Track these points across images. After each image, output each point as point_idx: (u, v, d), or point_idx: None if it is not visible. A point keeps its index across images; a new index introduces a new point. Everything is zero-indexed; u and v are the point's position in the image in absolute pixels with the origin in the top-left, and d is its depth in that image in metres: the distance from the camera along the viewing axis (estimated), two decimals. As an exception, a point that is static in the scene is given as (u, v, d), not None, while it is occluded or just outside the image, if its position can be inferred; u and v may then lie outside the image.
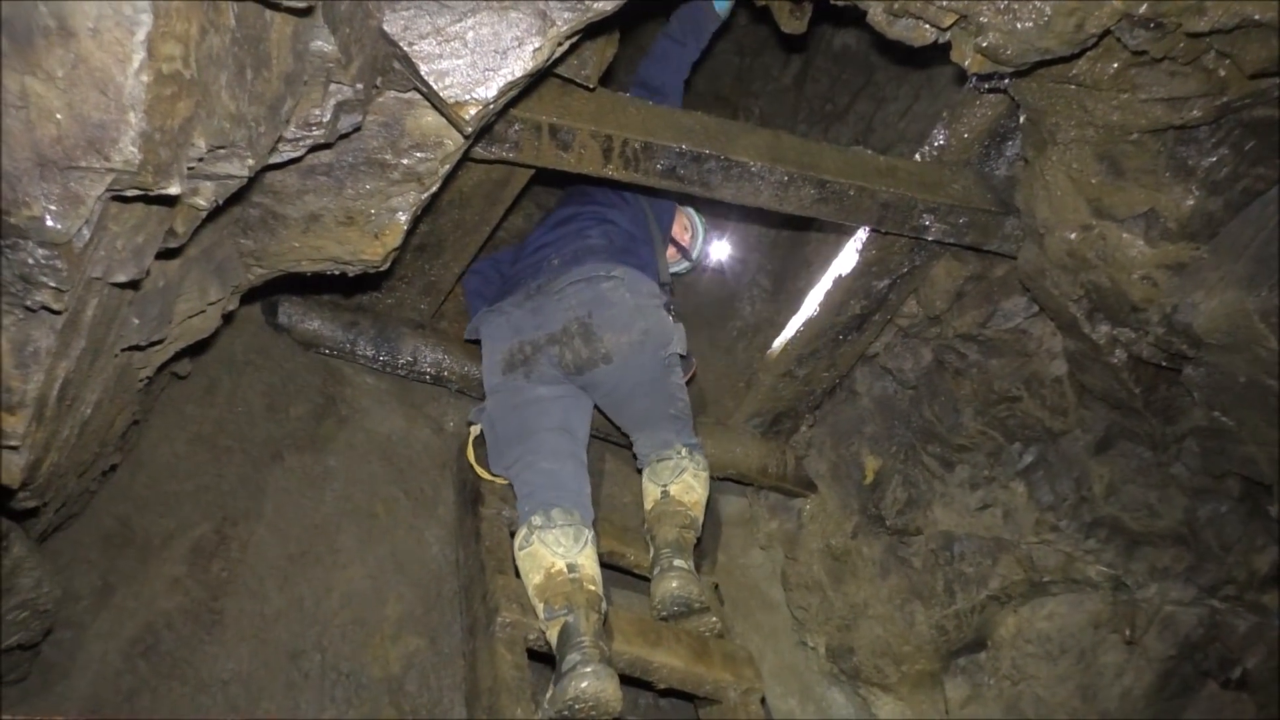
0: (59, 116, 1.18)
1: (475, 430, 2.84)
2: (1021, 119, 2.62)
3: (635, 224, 3.12)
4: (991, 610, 3.14)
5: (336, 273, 2.24)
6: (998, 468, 3.17)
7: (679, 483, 2.78)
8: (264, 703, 2.38)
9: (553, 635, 2.36)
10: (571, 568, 2.43)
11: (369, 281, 3.05)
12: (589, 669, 2.22)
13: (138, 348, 1.79)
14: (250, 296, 2.54)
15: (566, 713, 2.21)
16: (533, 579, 2.44)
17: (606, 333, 2.72)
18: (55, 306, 1.32)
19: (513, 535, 2.77)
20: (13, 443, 1.40)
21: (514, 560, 2.54)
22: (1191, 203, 2.34)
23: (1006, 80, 2.50)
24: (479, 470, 2.81)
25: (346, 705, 2.48)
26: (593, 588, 2.42)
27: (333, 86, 1.70)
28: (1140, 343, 2.58)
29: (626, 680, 2.57)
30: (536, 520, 2.50)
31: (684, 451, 2.83)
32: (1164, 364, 2.60)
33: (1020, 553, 3.09)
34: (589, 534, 2.52)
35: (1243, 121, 2.20)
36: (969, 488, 3.22)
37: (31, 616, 1.91)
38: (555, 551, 2.44)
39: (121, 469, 2.44)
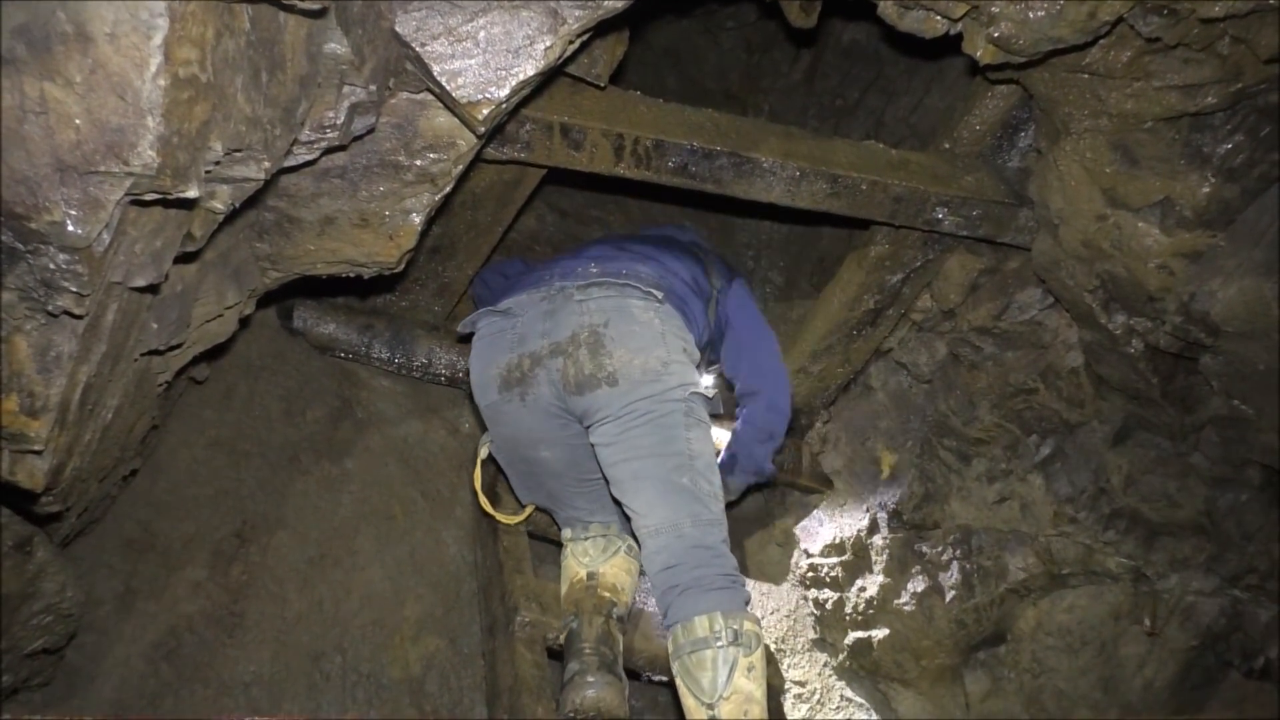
0: (78, 121, 1.20)
1: (482, 454, 2.53)
2: (1034, 109, 2.62)
3: (697, 291, 2.60)
4: (1011, 603, 3.12)
5: (351, 275, 2.25)
6: (1015, 460, 3.15)
7: (729, 697, 2.02)
8: (286, 704, 2.40)
9: (562, 640, 2.39)
10: (591, 575, 2.44)
11: (383, 284, 3.06)
12: (588, 679, 2.22)
13: (157, 352, 1.80)
14: (266, 300, 2.55)
15: (572, 718, 2.22)
16: (562, 589, 2.49)
17: (619, 348, 2.24)
18: (77, 311, 1.33)
19: (531, 536, 2.78)
20: (36, 447, 1.41)
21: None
22: (1207, 190, 2.33)
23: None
24: (491, 511, 2.59)
25: (368, 706, 2.49)
26: (606, 594, 2.41)
27: (346, 88, 1.70)
28: (1157, 332, 2.57)
29: (647, 678, 2.58)
30: (568, 534, 2.54)
31: (721, 630, 2.07)
32: (1181, 353, 2.58)
33: (1039, 545, 3.07)
34: (623, 544, 2.50)
35: (1258, 107, 2.19)
36: (986, 481, 3.20)
37: (56, 621, 1.93)
38: (581, 561, 2.47)
39: (142, 474, 2.45)
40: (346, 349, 3.05)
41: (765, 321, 2.72)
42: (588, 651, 2.27)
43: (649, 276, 2.40)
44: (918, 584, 3.23)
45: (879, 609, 3.28)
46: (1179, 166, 2.34)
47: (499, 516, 2.61)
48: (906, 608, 3.21)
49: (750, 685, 2.03)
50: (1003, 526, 3.16)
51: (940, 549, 3.23)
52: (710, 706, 2.00)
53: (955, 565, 3.21)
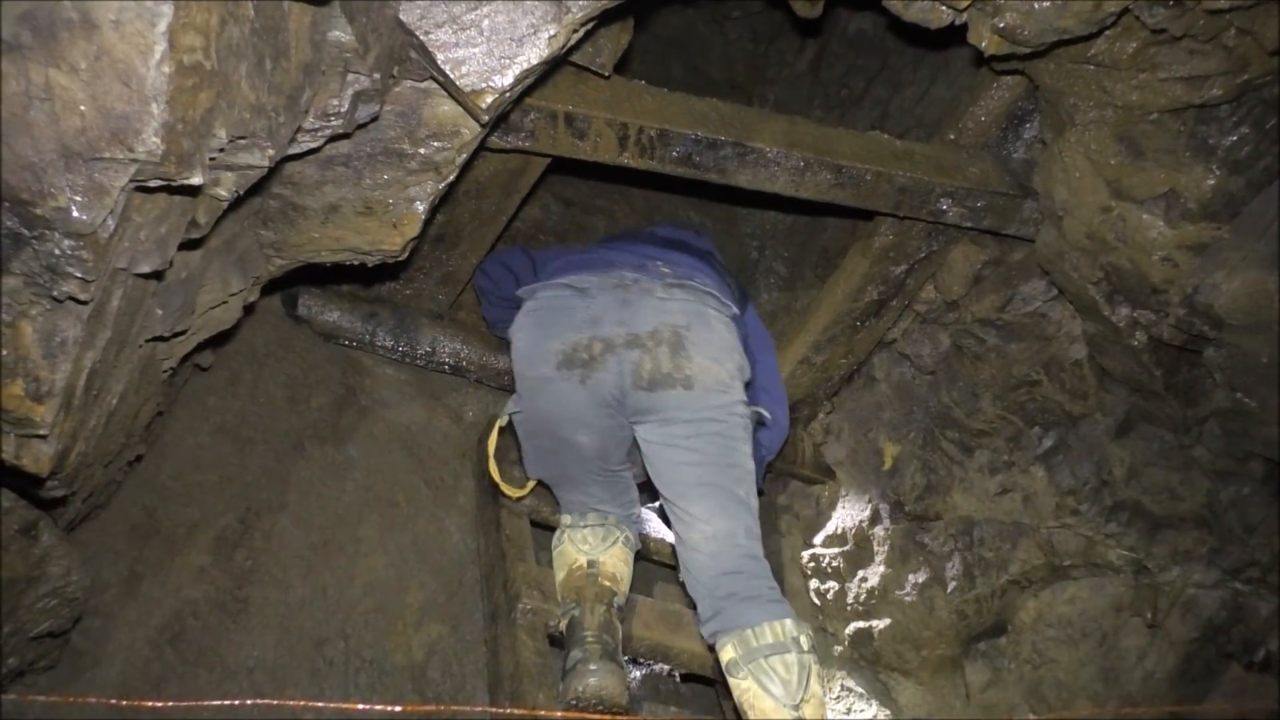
0: (83, 108, 1.20)
1: (502, 420, 2.54)
2: (1039, 101, 2.61)
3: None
4: (1012, 595, 3.13)
5: (356, 263, 2.26)
6: (1017, 452, 3.16)
7: (809, 699, 2.09)
8: (289, 689, 2.41)
9: (563, 628, 2.39)
10: (591, 564, 2.44)
11: (387, 272, 3.06)
12: (591, 667, 2.23)
13: (161, 338, 1.81)
14: (270, 288, 2.56)
15: (575, 705, 2.23)
16: (558, 575, 2.48)
17: (698, 354, 2.29)
18: (81, 297, 1.34)
19: (534, 524, 2.79)
20: (41, 432, 1.42)
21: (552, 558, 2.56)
22: (1212, 182, 2.32)
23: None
24: (498, 480, 2.63)
25: (370, 692, 2.51)
26: (607, 583, 2.42)
27: (350, 76, 1.71)
28: (1161, 324, 2.57)
29: (649, 666, 2.59)
30: (567, 520, 2.52)
31: (796, 636, 2.14)
32: (1185, 346, 2.58)
33: (1040, 537, 3.07)
34: (620, 535, 2.49)
35: (1264, 99, 2.18)
36: (988, 472, 3.21)
37: (61, 604, 1.94)
38: (580, 549, 2.45)
39: (147, 460, 2.47)
40: (351, 337, 3.06)
41: (771, 340, 2.83)
42: (590, 639, 2.28)
43: (723, 289, 2.46)
44: (919, 575, 3.24)
45: (880, 599, 3.29)
46: (1184, 158, 2.33)
47: (504, 487, 2.64)
48: (908, 598, 3.21)
49: (820, 690, 2.14)
50: (1004, 518, 3.17)
51: (942, 540, 3.24)
52: (795, 708, 2.06)
53: (957, 556, 3.21)
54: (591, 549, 2.46)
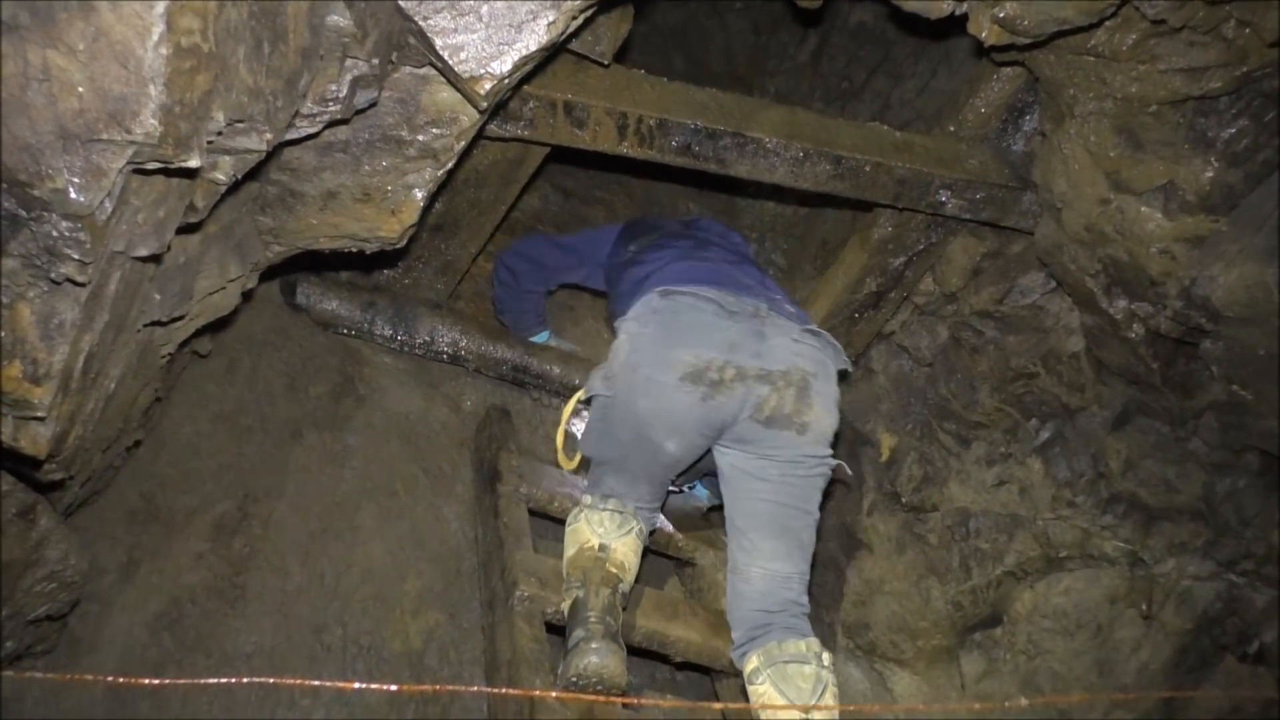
0: (80, 89, 1.20)
1: (583, 395, 2.53)
2: (1039, 92, 2.61)
3: None
4: (1007, 586, 3.14)
5: (354, 250, 2.26)
6: (1014, 444, 3.16)
7: (822, 708, 2.20)
8: (287, 676, 2.42)
9: (565, 607, 2.38)
10: (603, 548, 2.39)
11: (386, 261, 3.07)
12: (593, 645, 2.20)
13: (159, 323, 1.81)
14: (269, 275, 2.56)
15: (575, 684, 2.22)
16: (568, 552, 2.42)
17: (818, 402, 2.36)
18: (79, 279, 1.34)
19: (532, 512, 2.80)
20: (39, 414, 1.43)
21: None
22: (1211, 175, 2.33)
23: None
24: (561, 447, 2.66)
25: (368, 677, 2.51)
26: (614, 569, 2.40)
27: (349, 62, 1.71)
28: (1158, 317, 2.57)
29: (644, 653, 2.60)
30: (588, 500, 2.47)
31: (819, 652, 2.27)
32: (1182, 338, 2.59)
33: (1036, 529, 3.09)
34: (636, 526, 2.45)
35: (1263, 91, 2.19)
36: (985, 464, 3.21)
37: (59, 588, 1.95)
38: (595, 531, 2.40)
39: (145, 446, 2.47)
40: (349, 326, 3.06)
41: None
42: (593, 620, 2.27)
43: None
44: (915, 566, 3.25)
45: (876, 590, 3.30)
46: (1183, 151, 2.34)
47: (562, 457, 2.67)
48: (904, 589, 3.22)
49: (835, 706, 2.22)
50: (1001, 510, 3.17)
51: (938, 531, 3.25)
52: (805, 710, 2.17)
53: (953, 547, 3.22)
54: (606, 533, 2.41)
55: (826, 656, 2.26)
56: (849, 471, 2.60)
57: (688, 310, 2.38)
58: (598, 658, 2.20)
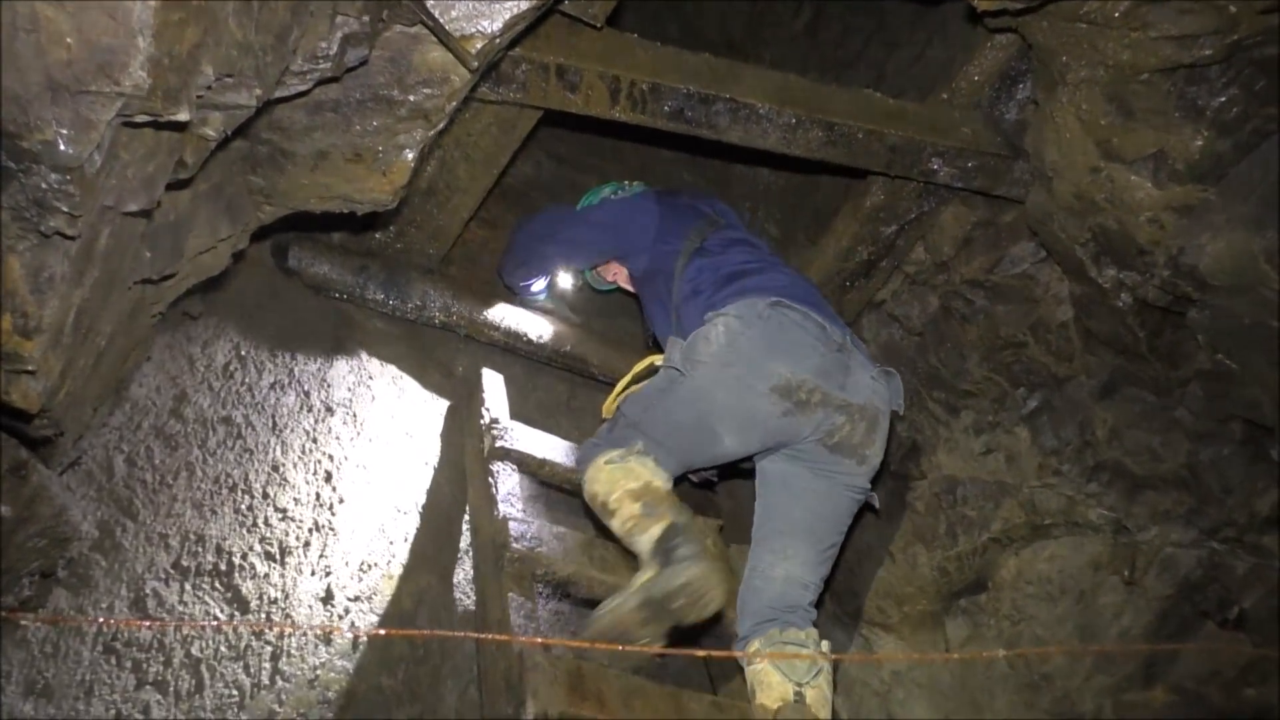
0: (69, 40, 1.20)
1: (659, 361, 2.57)
2: (1032, 60, 2.61)
3: None
4: (993, 552, 3.17)
5: (346, 212, 2.26)
6: (1002, 413, 3.19)
7: (815, 687, 2.30)
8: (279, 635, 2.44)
9: (654, 531, 2.28)
10: (669, 490, 2.40)
11: (378, 226, 3.07)
12: (704, 563, 2.20)
13: (150, 281, 1.81)
14: (260, 237, 2.56)
15: (670, 598, 2.18)
16: (625, 484, 2.36)
17: (878, 439, 2.49)
18: (69, 232, 1.35)
19: (523, 473, 2.81)
20: (30, 367, 1.44)
21: (588, 475, 2.47)
22: (1200, 144, 2.33)
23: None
24: (611, 401, 2.68)
25: (359, 638, 2.53)
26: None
27: (339, 19, 1.70)
28: (1146, 286, 2.59)
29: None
30: (639, 446, 2.44)
31: (819, 641, 2.39)
32: (1169, 307, 2.61)
33: (1022, 496, 3.12)
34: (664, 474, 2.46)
35: (1254, 60, 2.19)
36: (973, 433, 3.24)
37: (51, 544, 1.96)
38: (655, 474, 2.39)
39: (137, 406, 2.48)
40: (341, 290, 3.06)
41: None
42: (701, 546, 2.24)
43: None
44: (902, 532, 3.29)
45: (864, 556, 3.34)
46: (1173, 119, 2.34)
47: (609, 404, 2.68)
48: (890, 555, 3.26)
49: (828, 691, 2.33)
50: (988, 477, 3.21)
51: (925, 499, 3.28)
52: (799, 685, 2.26)
53: (940, 515, 3.26)
54: (665, 481, 2.41)
55: (826, 645, 2.36)
56: (878, 503, 2.69)
57: (794, 327, 2.44)
58: (711, 574, 2.19)
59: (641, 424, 2.50)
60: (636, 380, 2.66)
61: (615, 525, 2.39)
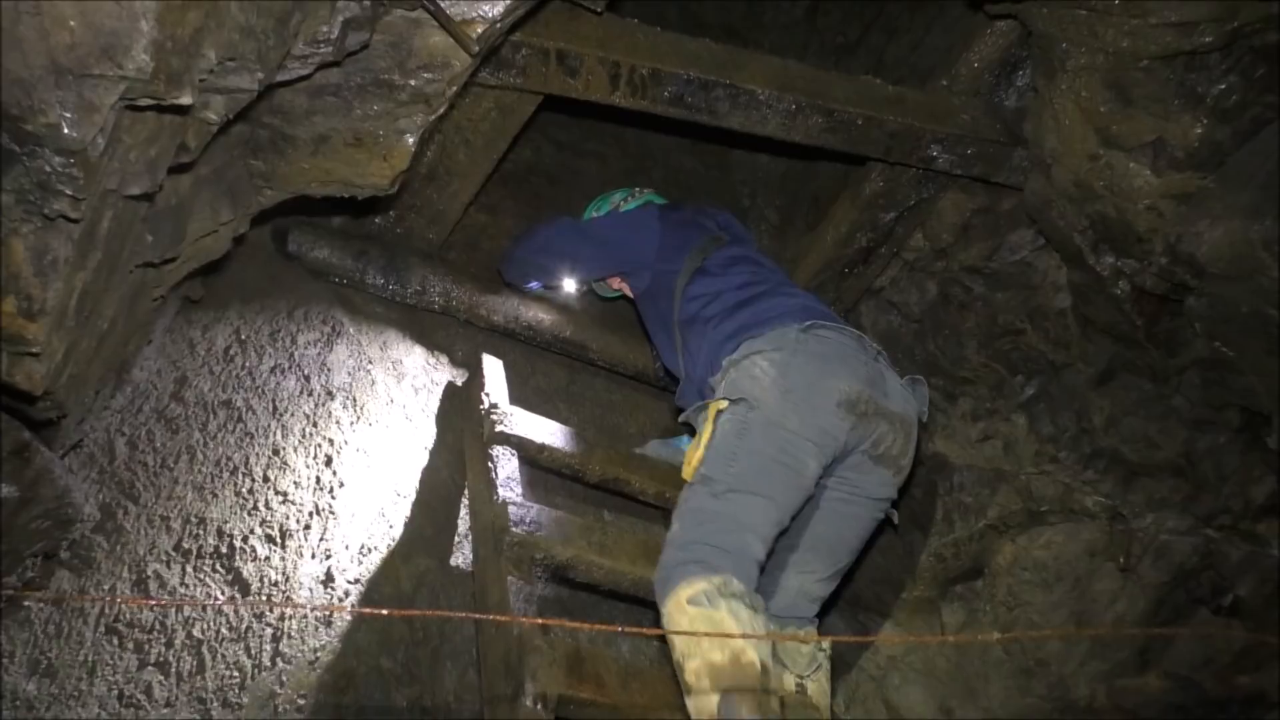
0: (72, 23, 1.20)
1: (722, 405, 2.36)
2: (1032, 47, 2.61)
3: None
4: (989, 539, 3.19)
5: (346, 196, 2.26)
6: (1000, 400, 3.20)
7: (816, 680, 2.36)
8: (279, 617, 2.45)
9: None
10: (765, 669, 1.97)
11: (378, 210, 3.07)
12: None
13: (152, 265, 1.82)
14: (261, 221, 2.56)
15: None
16: (709, 653, 1.95)
17: (911, 449, 2.47)
18: (72, 215, 1.35)
19: (522, 460, 2.82)
20: (34, 349, 1.44)
21: (668, 609, 2.08)
22: (1200, 131, 2.34)
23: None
24: (690, 464, 2.37)
25: (358, 619, 2.55)
26: (774, 705, 2.04)
27: (341, 3, 1.70)
28: (1144, 273, 2.60)
29: (633, 600, 2.65)
30: (723, 583, 2.05)
31: (824, 645, 2.41)
32: (1167, 295, 2.61)
33: (1019, 483, 3.13)
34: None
35: (1253, 47, 2.19)
36: (970, 420, 3.26)
37: (54, 526, 1.97)
38: (750, 624, 1.99)
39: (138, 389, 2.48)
40: (341, 274, 3.07)
41: None
42: None
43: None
44: (899, 518, 3.30)
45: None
46: (1173, 107, 2.35)
47: (689, 466, 2.37)
48: (887, 541, 3.28)
49: (828, 685, 2.38)
50: (985, 464, 3.22)
51: (922, 485, 3.30)
52: (800, 678, 2.32)
53: (936, 501, 3.27)
54: (757, 648, 1.96)
55: (826, 641, 2.39)
56: (895, 517, 2.62)
57: (835, 344, 2.42)
58: None
59: (733, 477, 2.25)
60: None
61: (684, 690, 2.03)
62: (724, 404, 2.35)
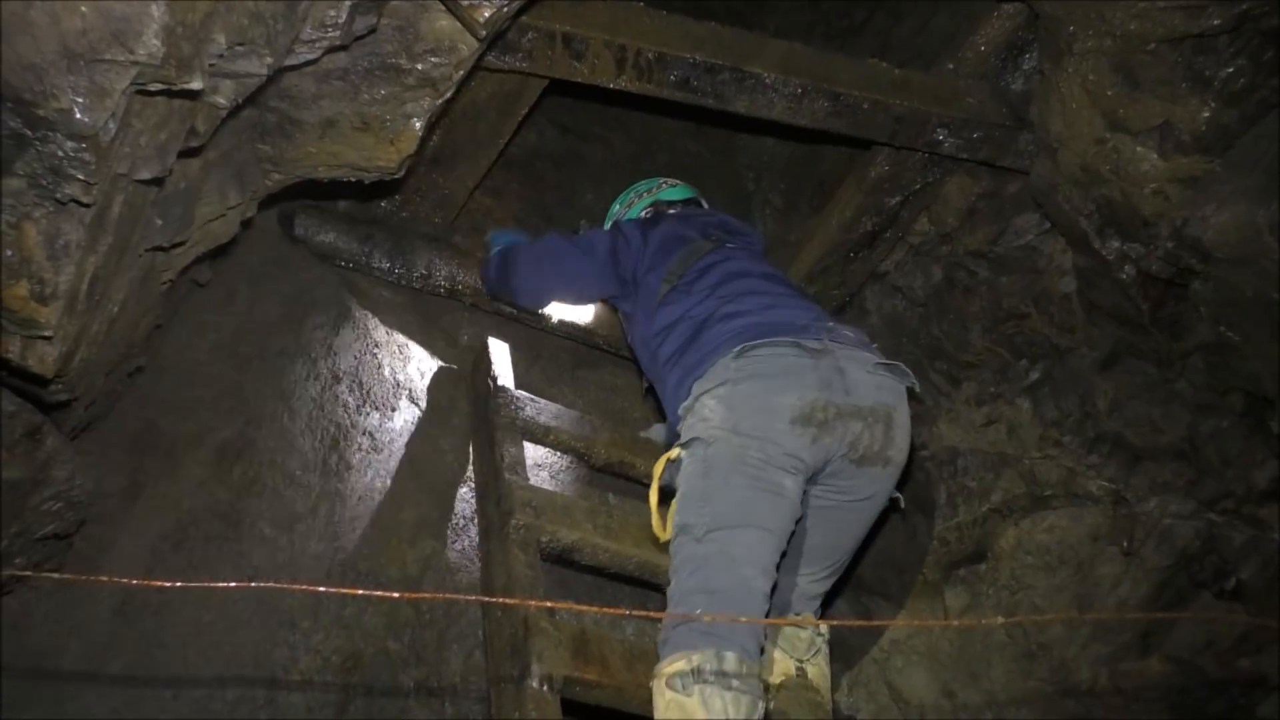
0: (84, 9, 1.21)
1: (674, 454, 2.27)
2: (1039, 30, 2.60)
3: None
4: (993, 523, 3.20)
5: (353, 180, 2.27)
6: (1004, 384, 3.20)
7: (815, 664, 2.36)
8: (287, 599, 2.47)
9: None
10: None
11: (385, 194, 3.07)
12: None
13: (161, 248, 1.83)
14: (268, 205, 2.57)
15: None
16: None
17: (898, 435, 2.30)
18: (84, 199, 1.36)
19: (528, 442, 2.83)
20: (46, 333, 1.46)
21: (656, 682, 2.01)
22: (1207, 115, 2.33)
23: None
24: (655, 511, 2.27)
25: (365, 602, 2.57)
26: None
27: (348, -13, 1.70)
28: (1149, 258, 2.60)
29: (638, 582, 2.67)
30: (704, 661, 1.95)
31: (818, 624, 2.39)
32: (1172, 279, 2.61)
33: (1023, 467, 3.14)
34: (762, 706, 2.04)
35: (1261, 30, 2.18)
36: (975, 404, 3.26)
37: (65, 508, 1.99)
38: (715, 715, 1.91)
39: (146, 373, 2.50)
40: (347, 258, 3.07)
41: None
42: None
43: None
44: (903, 503, 3.31)
45: (865, 525, 3.36)
46: (1180, 90, 2.34)
47: (656, 526, 2.28)
48: (891, 524, 3.29)
49: (827, 669, 2.38)
50: (989, 448, 3.22)
51: (926, 469, 3.30)
52: (800, 662, 2.33)
53: (940, 485, 3.28)
54: None
55: (824, 626, 2.37)
56: (903, 504, 2.51)
57: (772, 361, 2.25)
58: None
59: (713, 516, 2.15)
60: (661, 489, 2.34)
61: None
62: (675, 452, 2.26)
